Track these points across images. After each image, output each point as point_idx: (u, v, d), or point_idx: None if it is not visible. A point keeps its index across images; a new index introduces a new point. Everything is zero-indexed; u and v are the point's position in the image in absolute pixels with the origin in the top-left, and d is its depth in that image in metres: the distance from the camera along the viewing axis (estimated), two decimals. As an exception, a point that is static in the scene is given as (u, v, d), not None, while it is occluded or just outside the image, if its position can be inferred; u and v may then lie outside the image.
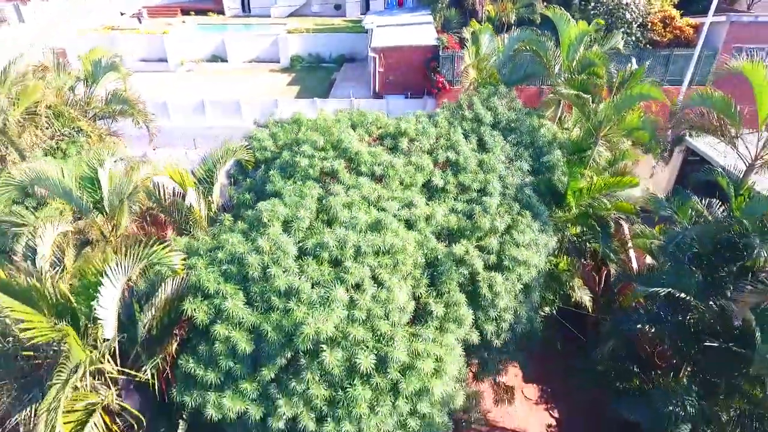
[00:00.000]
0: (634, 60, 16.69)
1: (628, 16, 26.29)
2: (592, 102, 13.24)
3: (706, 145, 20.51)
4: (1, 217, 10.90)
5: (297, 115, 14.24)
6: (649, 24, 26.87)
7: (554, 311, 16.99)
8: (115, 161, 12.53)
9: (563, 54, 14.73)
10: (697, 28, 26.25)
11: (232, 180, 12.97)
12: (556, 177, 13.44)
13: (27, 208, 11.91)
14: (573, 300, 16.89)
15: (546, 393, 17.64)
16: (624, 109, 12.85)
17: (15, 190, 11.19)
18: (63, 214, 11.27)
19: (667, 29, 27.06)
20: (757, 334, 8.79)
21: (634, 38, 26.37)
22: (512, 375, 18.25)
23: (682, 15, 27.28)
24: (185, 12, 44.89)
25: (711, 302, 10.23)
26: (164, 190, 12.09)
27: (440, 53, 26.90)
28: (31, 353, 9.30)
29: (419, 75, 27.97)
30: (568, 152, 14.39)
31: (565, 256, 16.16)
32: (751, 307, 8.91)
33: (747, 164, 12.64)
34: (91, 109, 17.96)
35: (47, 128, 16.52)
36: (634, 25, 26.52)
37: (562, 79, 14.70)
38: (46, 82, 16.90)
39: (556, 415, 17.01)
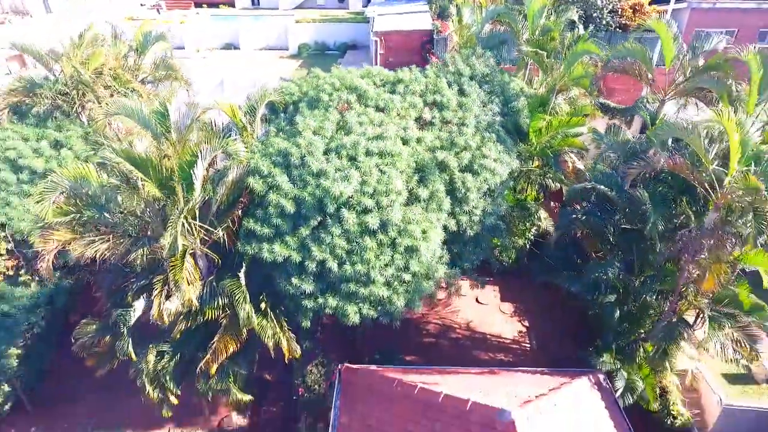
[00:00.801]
0: (581, 26, 20.34)
1: (599, 2, 29.91)
2: (548, 57, 16.86)
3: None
4: (96, 138, 14.57)
5: (315, 71, 17.82)
6: (620, 10, 30.54)
7: (527, 245, 20.66)
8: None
9: (529, 23, 18.36)
10: (662, 14, 29.97)
11: (266, 118, 16.51)
12: (521, 119, 17.04)
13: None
14: (540, 231, 20.56)
15: (519, 309, 21.22)
16: (573, 63, 16.48)
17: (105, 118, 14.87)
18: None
19: (636, 15, 30.77)
20: (649, 205, 12.38)
21: (605, 23, 30.00)
22: (491, 296, 21.90)
23: (650, 3, 30.98)
24: (198, 4, 48.45)
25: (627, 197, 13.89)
26: (215, 124, 15.71)
27: (435, 36, 30.49)
28: (130, 228, 12.93)
29: (416, 56, 31.48)
30: (532, 103, 18.00)
31: (532, 191, 19.80)
32: (643, 188, 12.59)
33: (660, 101, 16.35)
34: (140, 74, 21.60)
35: (107, 87, 20.16)
36: (605, 11, 30.15)
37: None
38: (106, 49, 20.54)
39: (527, 324, 20.61)
